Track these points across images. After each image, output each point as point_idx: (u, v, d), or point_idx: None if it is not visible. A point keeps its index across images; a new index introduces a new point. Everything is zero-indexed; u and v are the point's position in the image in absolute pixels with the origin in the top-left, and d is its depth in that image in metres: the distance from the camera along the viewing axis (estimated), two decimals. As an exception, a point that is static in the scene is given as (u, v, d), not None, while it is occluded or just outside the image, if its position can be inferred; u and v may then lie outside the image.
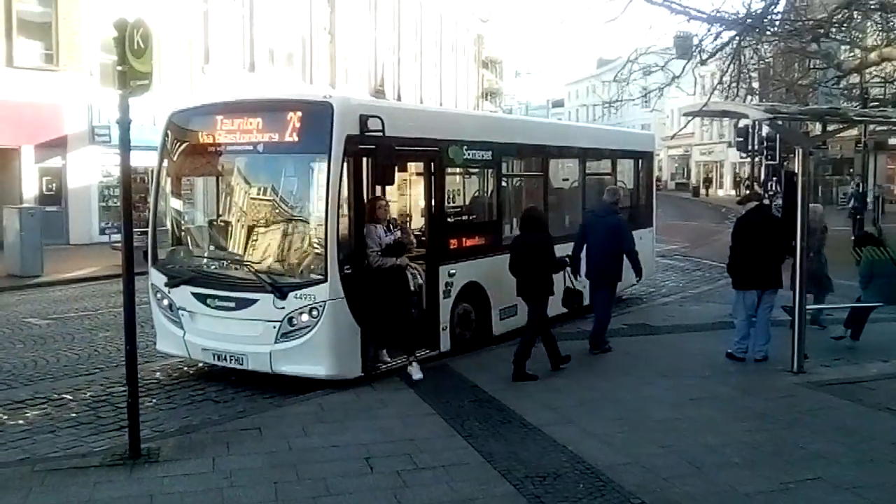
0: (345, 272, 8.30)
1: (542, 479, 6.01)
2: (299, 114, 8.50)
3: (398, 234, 8.78)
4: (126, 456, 6.44)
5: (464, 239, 10.21)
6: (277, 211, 8.92)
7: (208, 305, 8.83)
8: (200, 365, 9.71)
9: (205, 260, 9.48)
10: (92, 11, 23.56)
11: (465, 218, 10.55)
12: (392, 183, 9.05)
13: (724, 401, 8.29)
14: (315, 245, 8.41)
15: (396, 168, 8.80)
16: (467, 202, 10.88)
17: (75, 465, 6.36)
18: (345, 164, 8.29)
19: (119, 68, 6.39)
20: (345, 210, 8.39)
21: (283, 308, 8.32)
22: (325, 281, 8.19)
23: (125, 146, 6.53)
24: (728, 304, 11.55)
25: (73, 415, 8.07)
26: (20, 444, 7.21)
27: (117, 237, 18.93)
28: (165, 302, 9.29)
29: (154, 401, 8.55)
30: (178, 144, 9.45)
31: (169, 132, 9.49)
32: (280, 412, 7.80)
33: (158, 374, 9.69)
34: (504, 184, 11.35)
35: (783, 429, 7.33)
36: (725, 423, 7.51)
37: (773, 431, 7.25)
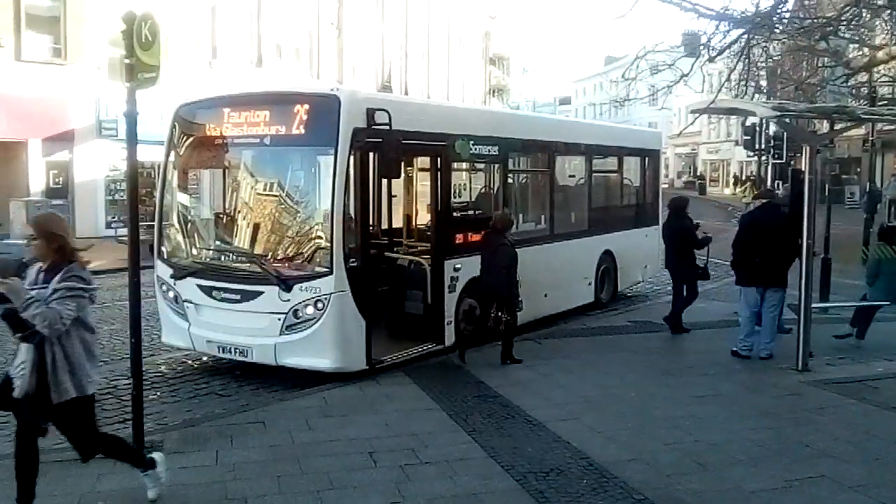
0: (350, 265, 8.29)
1: (545, 475, 6.00)
2: (306, 106, 8.50)
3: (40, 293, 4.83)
4: (130, 448, 6.45)
5: (470, 234, 10.18)
6: (283, 204, 8.93)
7: (214, 298, 8.85)
8: (204, 359, 9.73)
9: (210, 252, 9.50)
10: (99, 6, 23.56)
11: (471, 213, 10.54)
12: (398, 176, 9.05)
13: (728, 398, 8.26)
14: (321, 238, 8.42)
15: (403, 162, 8.78)
16: (473, 197, 10.89)
17: (79, 457, 6.37)
18: (351, 158, 8.29)
19: (127, 61, 6.38)
20: (351, 203, 8.38)
21: (289, 300, 8.33)
22: (330, 273, 8.19)
23: (132, 139, 6.53)
24: (732, 301, 11.54)
25: (78, 406, 8.08)
26: (25, 434, 7.23)
27: (123, 231, 18.97)
28: (171, 294, 9.30)
29: (158, 394, 8.57)
30: (185, 137, 9.47)
31: (176, 125, 9.50)
32: (284, 406, 7.81)
33: (163, 367, 9.70)
34: (510, 179, 11.34)
35: (788, 427, 7.31)
36: (730, 420, 7.49)
37: (778, 429, 7.23)
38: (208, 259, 9.37)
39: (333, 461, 6.28)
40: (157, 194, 9.76)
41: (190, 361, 9.89)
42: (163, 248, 9.57)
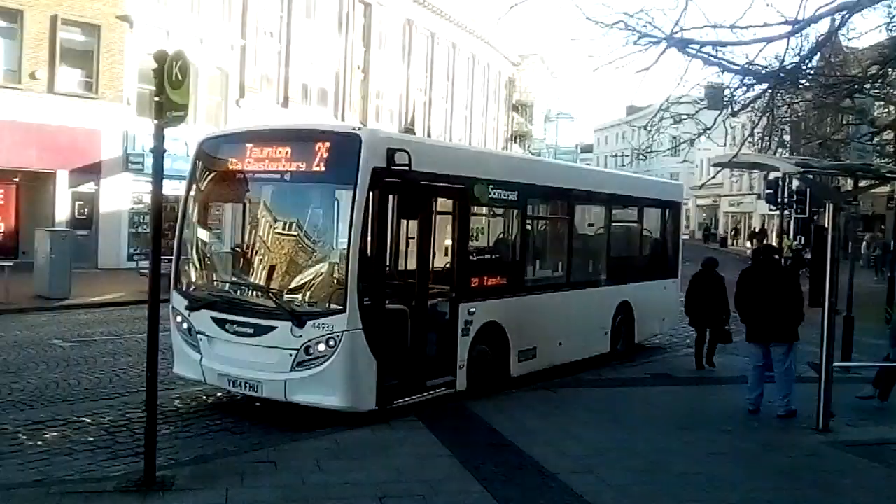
0: (364, 303, 8.27)
1: (556, 527, 5.90)
2: (328, 144, 8.56)
3: None
4: (140, 483, 6.39)
5: (485, 278, 10.14)
6: (300, 240, 8.95)
7: (227, 331, 8.83)
8: (218, 395, 9.71)
9: (226, 285, 9.50)
10: (133, 42, 24.12)
11: (487, 257, 10.50)
12: (416, 217, 9.06)
13: (745, 457, 8.11)
14: (336, 275, 8.41)
15: (421, 203, 8.81)
16: (490, 241, 10.85)
17: (90, 490, 6.34)
18: (370, 196, 8.31)
19: (156, 99, 6.49)
20: (368, 242, 8.39)
21: (301, 336, 8.29)
22: (343, 311, 8.16)
23: (158, 174, 6.61)
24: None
25: (91, 438, 8.06)
26: (37, 465, 7.22)
27: (145, 263, 19.11)
28: (185, 325, 9.30)
29: (171, 428, 8.52)
30: (206, 170, 9.55)
31: (199, 158, 9.60)
32: (295, 446, 7.74)
33: (177, 401, 9.68)
34: (528, 225, 11.30)
35: (807, 488, 7.15)
36: (746, 479, 7.33)
37: (797, 490, 7.07)
38: (224, 292, 9.38)
39: (342, 504, 6.20)
40: (178, 225, 9.79)
41: (204, 397, 9.86)
42: (179, 279, 9.60)
